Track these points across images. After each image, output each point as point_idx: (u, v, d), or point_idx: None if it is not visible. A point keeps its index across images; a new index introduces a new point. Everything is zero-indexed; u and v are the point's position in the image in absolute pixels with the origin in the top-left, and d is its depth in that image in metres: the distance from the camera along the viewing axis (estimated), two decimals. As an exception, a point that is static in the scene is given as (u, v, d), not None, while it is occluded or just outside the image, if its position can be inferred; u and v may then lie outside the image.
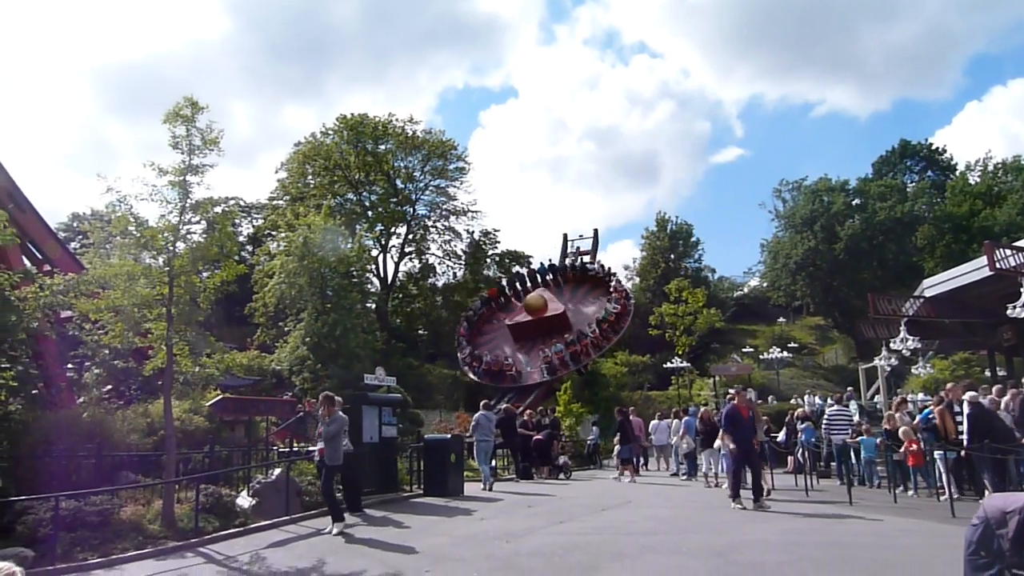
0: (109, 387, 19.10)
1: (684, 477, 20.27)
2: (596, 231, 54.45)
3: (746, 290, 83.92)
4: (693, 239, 76.78)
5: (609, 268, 45.14)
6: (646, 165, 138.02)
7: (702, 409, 20.47)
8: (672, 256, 74.60)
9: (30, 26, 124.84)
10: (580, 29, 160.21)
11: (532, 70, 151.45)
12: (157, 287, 12.24)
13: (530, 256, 63.90)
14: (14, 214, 16.23)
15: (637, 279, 76.22)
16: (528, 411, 25.02)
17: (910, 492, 15.76)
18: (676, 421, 21.74)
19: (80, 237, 49.41)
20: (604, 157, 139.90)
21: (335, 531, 11.49)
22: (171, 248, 12.30)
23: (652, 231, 76.96)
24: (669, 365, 47.85)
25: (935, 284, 31.02)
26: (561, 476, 21.47)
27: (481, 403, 20.86)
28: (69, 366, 19.16)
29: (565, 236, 55.09)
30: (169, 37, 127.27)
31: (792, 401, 38.31)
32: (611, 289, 41.49)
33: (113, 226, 12.72)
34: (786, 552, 9.25)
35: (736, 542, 10.00)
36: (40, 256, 19.52)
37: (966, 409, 13.88)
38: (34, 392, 16.73)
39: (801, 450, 18.82)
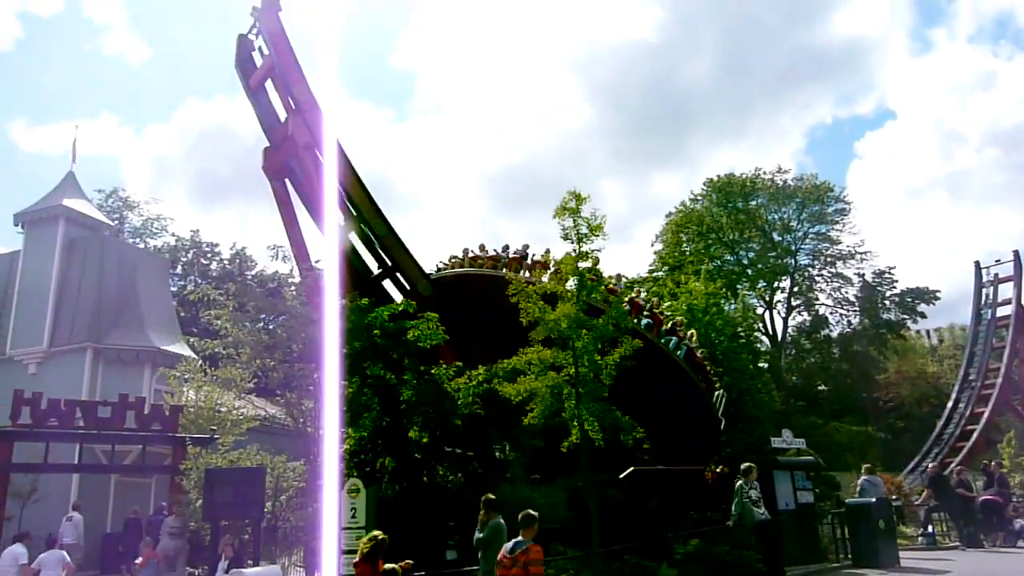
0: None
1: None
2: (1017, 253, 47.08)
3: None
4: None
5: None
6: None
7: None
8: None
9: (432, 149, 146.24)
10: (961, 26, 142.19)
11: (909, 85, 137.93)
12: (565, 369, 13.26)
13: (936, 291, 57.30)
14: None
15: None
16: (959, 468, 22.03)
17: None
18: None
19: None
20: (1014, 162, 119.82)
21: None
22: (574, 334, 13.28)
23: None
24: None
25: None
26: (1020, 543, 18.41)
27: (864, 467, 19.02)
28: (496, 446, 21.36)
29: (977, 264, 48.74)
30: (541, 135, 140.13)
31: None
32: None
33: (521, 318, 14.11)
34: None
35: None
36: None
37: None
38: (469, 469, 18.96)
39: None
